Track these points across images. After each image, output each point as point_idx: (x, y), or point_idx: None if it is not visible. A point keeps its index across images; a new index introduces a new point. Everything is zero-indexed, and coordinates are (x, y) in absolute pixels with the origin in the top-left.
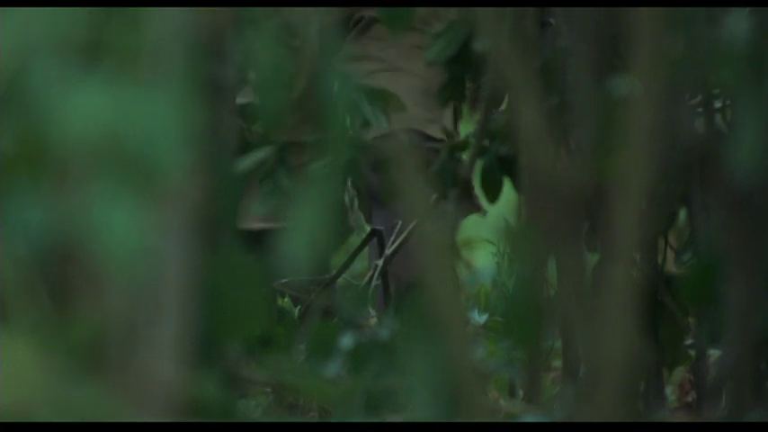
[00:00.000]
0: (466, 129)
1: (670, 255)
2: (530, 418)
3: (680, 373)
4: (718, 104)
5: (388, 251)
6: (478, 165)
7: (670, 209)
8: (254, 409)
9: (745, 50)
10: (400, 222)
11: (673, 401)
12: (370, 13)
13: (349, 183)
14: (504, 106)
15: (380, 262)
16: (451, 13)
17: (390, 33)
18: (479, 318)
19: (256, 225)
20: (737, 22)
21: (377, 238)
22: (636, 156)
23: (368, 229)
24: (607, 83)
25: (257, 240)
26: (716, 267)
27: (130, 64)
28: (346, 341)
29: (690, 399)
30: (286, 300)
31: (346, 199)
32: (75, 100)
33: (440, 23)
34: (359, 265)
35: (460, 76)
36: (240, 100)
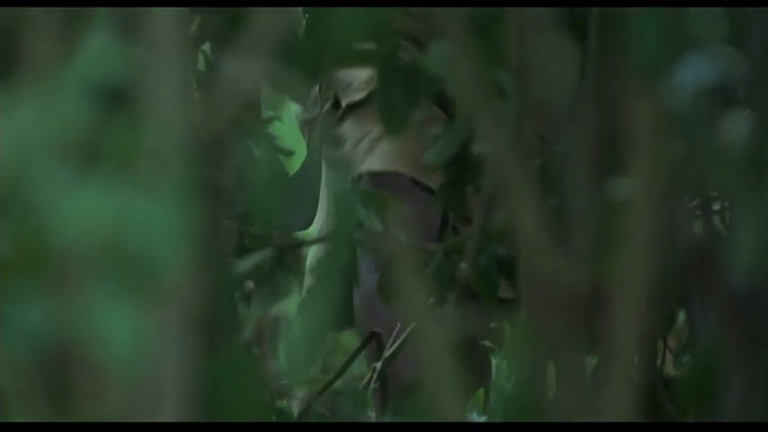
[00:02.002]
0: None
1: (669, 357)
2: None
3: None
4: (716, 207)
5: (386, 353)
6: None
7: (669, 311)
8: None
9: (744, 153)
10: (399, 324)
11: None
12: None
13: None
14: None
15: (379, 364)
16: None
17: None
18: (478, 419)
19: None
20: (736, 124)
21: (375, 340)
22: (635, 258)
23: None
24: (606, 185)
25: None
26: (714, 370)
27: (130, 166)
28: None
29: None
30: (285, 402)
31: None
32: (74, 202)
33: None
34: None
35: (459, 178)
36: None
